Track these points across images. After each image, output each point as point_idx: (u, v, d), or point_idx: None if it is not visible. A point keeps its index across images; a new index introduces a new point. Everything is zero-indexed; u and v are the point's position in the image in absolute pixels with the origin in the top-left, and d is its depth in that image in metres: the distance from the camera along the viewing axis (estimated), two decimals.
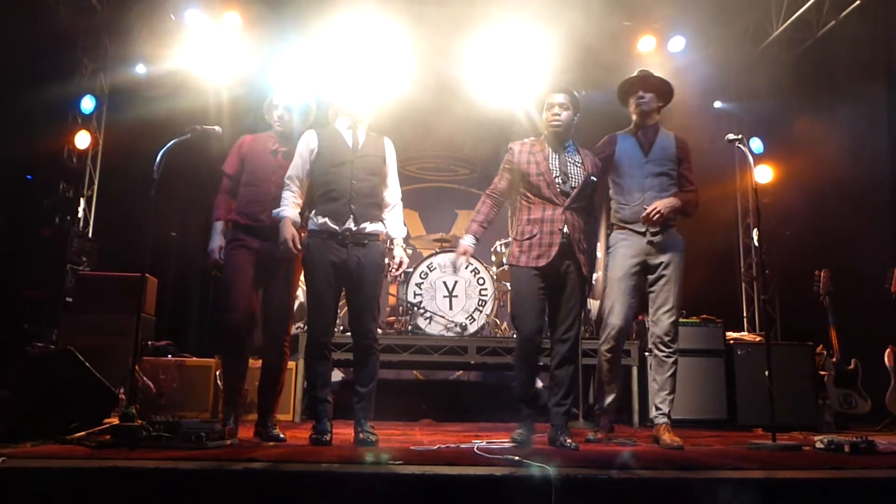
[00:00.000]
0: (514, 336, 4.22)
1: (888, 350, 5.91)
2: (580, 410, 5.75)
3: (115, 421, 3.46)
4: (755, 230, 8.01)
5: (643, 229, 4.13)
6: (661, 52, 7.81)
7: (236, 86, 7.66)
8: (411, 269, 6.39)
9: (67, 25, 7.54)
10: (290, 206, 3.90)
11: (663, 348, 4.16)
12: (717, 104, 8.65)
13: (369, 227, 3.89)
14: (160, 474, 2.53)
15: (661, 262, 4.14)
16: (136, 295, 4.05)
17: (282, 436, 3.94)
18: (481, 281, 6.36)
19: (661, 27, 7.81)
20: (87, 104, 7.82)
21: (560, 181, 3.88)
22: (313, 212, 3.94)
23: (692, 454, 3.57)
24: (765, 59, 8.19)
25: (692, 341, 6.09)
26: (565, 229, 3.81)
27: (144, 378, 5.31)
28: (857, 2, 6.82)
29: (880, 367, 5.95)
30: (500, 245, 6.66)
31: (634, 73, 4.42)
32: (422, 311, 6.27)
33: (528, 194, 3.94)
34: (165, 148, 3.96)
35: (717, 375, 6.03)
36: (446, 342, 5.94)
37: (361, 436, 3.70)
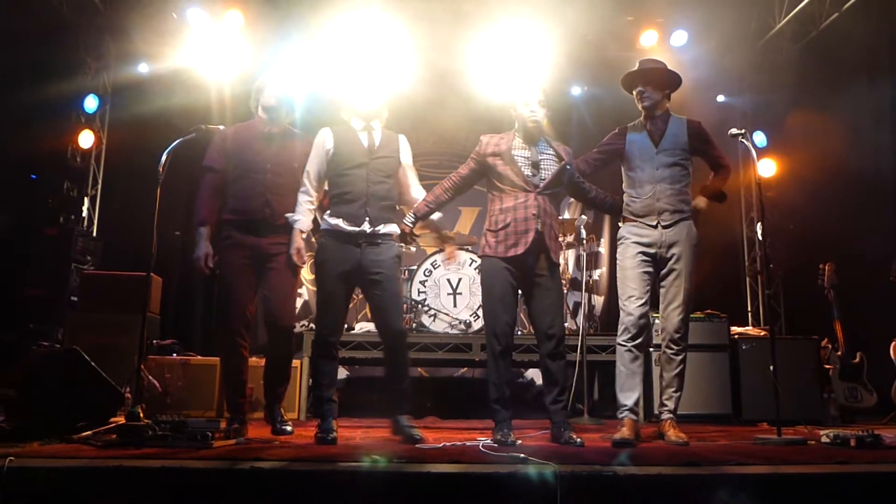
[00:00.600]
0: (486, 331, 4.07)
1: (894, 343, 5.89)
2: (585, 407, 5.76)
3: (121, 420, 3.47)
4: (759, 224, 7.99)
5: (654, 222, 4.08)
6: (664, 46, 7.78)
7: (238, 83, 7.65)
8: (415, 267, 6.40)
9: (70, 24, 7.54)
10: (304, 214, 3.93)
11: (672, 346, 4.12)
12: (720, 98, 8.62)
13: (384, 228, 3.91)
14: (166, 474, 2.54)
15: (673, 255, 4.07)
16: (141, 294, 4.04)
17: (289, 428, 3.96)
18: None
19: (664, 22, 7.78)
20: (91, 103, 7.83)
21: (529, 173, 3.88)
22: (327, 212, 3.93)
23: (697, 449, 3.56)
24: (768, 53, 8.16)
25: (697, 336, 6.08)
26: (538, 213, 3.81)
27: (150, 377, 5.32)
28: None
29: (886, 361, 5.94)
30: None
31: (636, 66, 4.35)
32: (426, 308, 6.27)
33: (499, 184, 3.94)
34: (170, 148, 3.96)
35: (722, 370, 6.02)
36: (450, 339, 5.94)
37: (403, 431, 3.75)
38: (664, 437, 3.97)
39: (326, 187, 4.07)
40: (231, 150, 4.08)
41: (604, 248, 7.83)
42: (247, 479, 2.55)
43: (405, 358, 3.98)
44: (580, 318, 6.02)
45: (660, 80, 4.28)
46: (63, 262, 6.78)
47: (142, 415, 3.40)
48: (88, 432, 3.33)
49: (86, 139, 7.77)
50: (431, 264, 6.42)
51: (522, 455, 2.88)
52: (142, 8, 7.57)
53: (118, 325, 5.50)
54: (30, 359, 4.04)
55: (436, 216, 4.13)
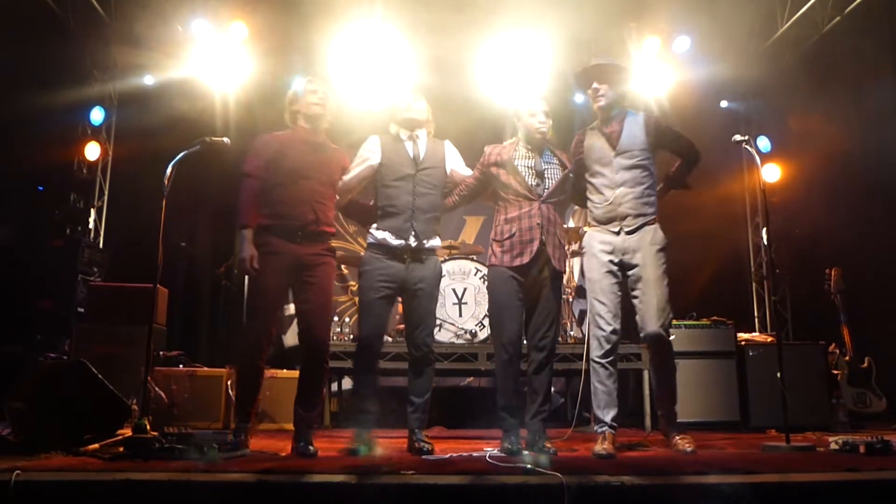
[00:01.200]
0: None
1: None
2: (592, 415, 5.74)
3: (128, 432, 3.47)
4: (764, 229, 7.98)
5: (617, 228, 3.94)
6: (667, 52, 7.78)
7: (243, 94, 7.70)
8: None
9: (77, 37, 7.60)
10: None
11: (657, 354, 4.02)
12: (724, 103, 8.63)
13: (428, 243, 3.94)
14: (174, 487, 2.54)
15: (638, 263, 3.90)
16: (148, 305, 4.05)
17: (312, 450, 3.64)
18: None
19: (666, 28, 7.79)
20: (97, 115, 7.88)
21: (533, 182, 3.89)
22: (374, 226, 3.96)
23: (706, 458, 3.54)
24: (770, 58, 8.16)
25: (703, 343, 6.07)
26: (542, 222, 3.81)
27: (156, 388, 5.33)
28: None
29: (894, 365, 5.91)
30: None
31: (590, 65, 4.21)
32: None
33: (503, 194, 3.95)
34: (175, 160, 3.98)
35: (730, 377, 6.00)
36: (456, 349, 5.93)
37: (417, 445, 3.73)
38: (670, 446, 3.92)
39: (372, 202, 4.11)
40: (273, 156, 3.96)
41: None
42: (254, 492, 2.55)
43: (430, 372, 3.97)
44: (586, 327, 6.00)
45: (614, 77, 4.12)
46: (70, 273, 6.80)
47: (149, 427, 3.41)
48: (95, 445, 3.34)
49: (92, 151, 7.82)
50: None
51: (529, 466, 2.87)
52: (147, 20, 7.62)
53: (125, 336, 5.51)
54: (37, 371, 4.04)
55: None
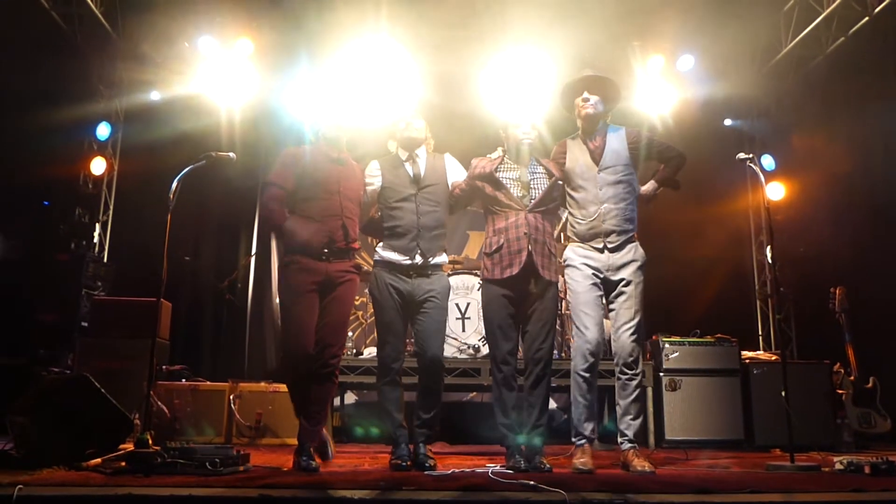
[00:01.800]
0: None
1: None
2: (595, 432, 5.71)
3: (130, 447, 3.46)
4: (769, 248, 7.97)
5: (600, 245, 3.92)
6: (671, 71, 7.82)
7: (248, 110, 7.75)
8: None
9: (83, 52, 7.67)
10: None
11: (626, 370, 3.86)
12: (728, 122, 8.65)
13: (434, 260, 3.96)
14: (175, 501, 2.53)
15: (622, 279, 3.90)
16: (151, 319, 4.05)
17: (314, 465, 3.62)
18: None
19: (670, 46, 7.83)
20: (103, 130, 7.93)
21: (519, 193, 3.89)
22: (380, 245, 4.01)
23: (709, 477, 3.52)
24: (774, 77, 8.19)
25: (707, 361, 6.06)
26: (529, 231, 3.80)
27: (159, 403, 5.33)
28: (866, 18, 6.81)
29: None
30: None
31: (582, 75, 4.18)
32: None
33: (491, 206, 3.96)
34: (180, 175, 3.99)
35: (734, 395, 5.98)
36: (459, 364, 5.92)
37: (420, 459, 3.73)
38: (629, 467, 3.70)
39: (378, 214, 4.14)
40: (297, 169, 3.97)
41: None
42: None
43: (439, 386, 3.96)
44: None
45: (605, 90, 4.12)
46: (74, 287, 6.82)
47: (151, 441, 3.40)
48: (98, 459, 3.33)
49: (98, 166, 7.86)
50: None
51: (532, 482, 2.85)
52: (154, 37, 7.70)
53: (128, 350, 5.52)
54: (39, 385, 4.03)
55: None
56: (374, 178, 4.09)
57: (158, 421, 5.21)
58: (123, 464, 3.24)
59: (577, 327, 3.89)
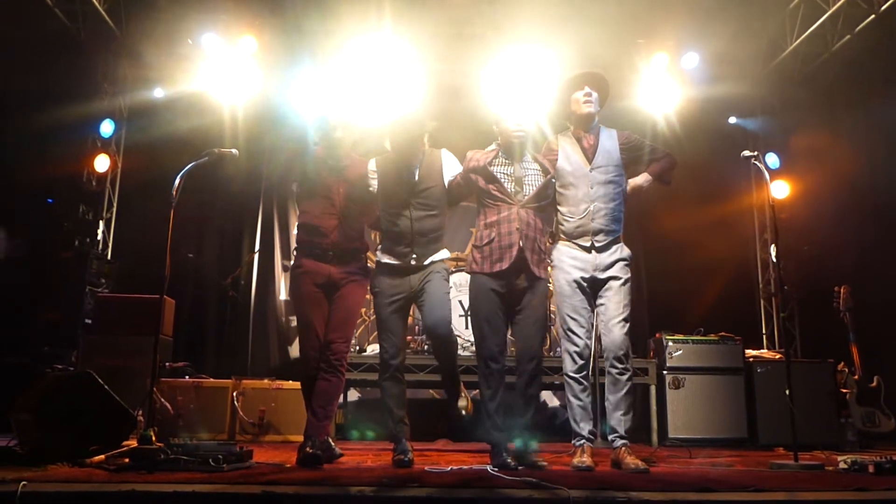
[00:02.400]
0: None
1: None
2: (598, 429, 5.70)
3: (134, 443, 3.47)
4: (773, 246, 7.95)
5: (588, 243, 3.89)
6: (675, 68, 7.80)
7: (252, 107, 7.75)
8: None
9: (87, 50, 7.67)
10: None
11: (617, 364, 3.81)
12: (732, 120, 8.63)
13: (430, 258, 3.97)
14: (179, 498, 2.53)
15: (609, 276, 3.87)
16: (155, 316, 4.05)
17: (318, 454, 3.67)
18: None
19: (674, 44, 7.81)
20: (107, 128, 7.93)
21: (513, 189, 3.87)
22: (379, 247, 4.05)
23: (712, 475, 3.51)
24: (779, 75, 8.17)
25: (711, 359, 6.05)
26: (520, 226, 3.78)
27: (162, 399, 5.34)
28: (872, 16, 6.78)
29: None
30: None
31: (582, 71, 4.15)
32: None
33: (483, 199, 3.93)
34: (183, 171, 3.99)
35: (737, 394, 5.97)
36: (462, 361, 5.88)
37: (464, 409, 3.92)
38: (621, 465, 3.66)
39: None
40: (300, 176, 4.07)
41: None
42: (259, 502, 2.54)
43: (454, 347, 4.02)
44: (591, 340, 5.98)
45: (603, 88, 4.11)
46: (78, 284, 6.83)
47: (154, 438, 3.40)
48: (101, 456, 3.33)
49: (101, 163, 7.87)
50: None
51: (534, 479, 2.84)
52: (157, 34, 7.70)
53: (131, 347, 5.54)
54: (43, 382, 4.04)
55: None
56: (371, 179, 4.10)
57: (162, 418, 5.22)
58: (127, 460, 3.25)
59: (565, 332, 3.89)
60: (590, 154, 3.99)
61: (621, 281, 3.86)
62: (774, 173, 8.02)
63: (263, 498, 2.55)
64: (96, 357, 5.49)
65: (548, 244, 4.02)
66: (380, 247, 4.06)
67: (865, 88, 7.18)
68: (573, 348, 3.84)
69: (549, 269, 4.02)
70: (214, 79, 7.57)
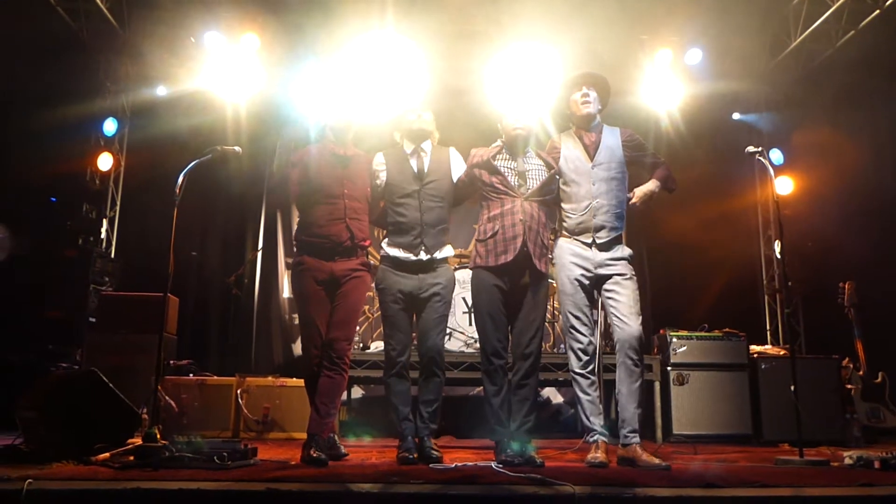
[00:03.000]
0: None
1: None
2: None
3: (139, 441, 3.47)
4: (777, 242, 7.94)
5: (589, 240, 3.86)
6: (679, 65, 7.77)
7: (254, 105, 7.76)
8: None
9: (89, 48, 7.68)
10: None
11: (634, 355, 3.73)
12: (736, 116, 8.61)
13: (439, 254, 3.96)
14: (184, 496, 2.54)
15: (613, 273, 3.83)
16: (159, 314, 4.06)
17: (322, 457, 3.61)
18: None
19: (678, 40, 7.79)
20: (110, 126, 7.95)
21: (516, 182, 3.87)
22: (385, 240, 4.01)
23: (718, 471, 3.51)
24: (783, 70, 8.14)
25: (715, 355, 6.04)
26: (525, 218, 3.78)
27: (167, 397, 5.34)
28: (877, 11, 6.76)
29: None
30: None
31: (577, 73, 4.15)
32: None
33: (487, 193, 3.93)
34: (186, 169, 3.99)
35: (742, 390, 5.96)
36: (466, 358, 5.91)
37: (426, 452, 3.73)
38: (636, 462, 3.59)
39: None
40: (302, 174, 4.03)
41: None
42: (264, 500, 2.54)
43: (439, 380, 3.96)
44: (596, 336, 5.98)
45: (603, 88, 4.11)
46: (82, 283, 6.85)
47: (159, 436, 3.41)
48: (106, 454, 3.33)
49: (105, 162, 7.88)
50: None
51: (539, 476, 2.84)
52: (160, 32, 7.70)
53: (136, 345, 5.54)
54: (48, 380, 4.05)
55: None
56: (379, 171, 4.09)
57: (166, 416, 5.23)
58: (132, 458, 3.25)
59: (568, 330, 3.88)
60: (591, 151, 3.99)
61: (627, 276, 3.84)
62: (778, 169, 8.00)
63: (268, 495, 2.55)
64: (100, 355, 5.49)
65: (550, 240, 4.01)
66: (385, 240, 4.03)
67: (870, 84, 7.15)
68: (577, 345, 3.83)
69: (550, 264, 4.01)
70: (217, 77, 7.57)
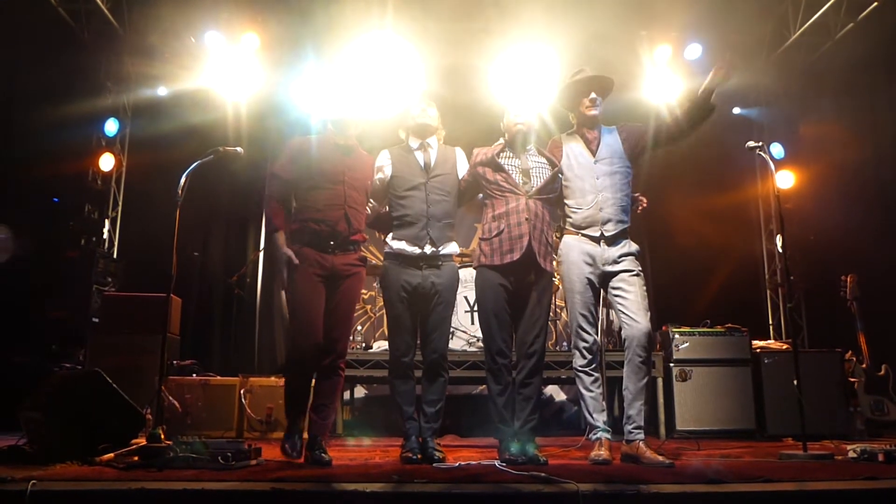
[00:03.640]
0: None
1: None
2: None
3: (143, 441, 3.48)
4: (779, 236, 7.92)
5: (597, 233, 3.86)
6: (678, 60, 7.76)
7: (255, 104, 7.76)
8: None
9: (91, 49, 7.68)
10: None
11: (642, 353, 3.73)
12: (736, 110, 8.60)
13: (445, 249, 3.95)
14: (188, 496, 2.54)
15: (620, 269, 3.83)
16: (162, 315, 4.06)
17: (326, 458, 3.61)
18: None
19: (678, 35, 7.77)
20: (111, 127, 7.97)
21: (521, 180, 3.87)
22: (390, 235, 3.99)
23: (722, 466, 3.50)
24: (783, 64, 8.13)
25: (718, 351, 6.03)
26: (530, 216, 3.77)
27: (170, 398, 5.35)
28: (876, 3, 6.74)
29: None
30: None
31: (579, 72, 4.13)
32: None
33: (491, 191, 3.92)
34: (189, 170, 4.00)
35: (745, 385, 5.95)
36: (468, 357, 5.91)
37: (428, 452, 3.73)
38: (640, 459, 3.60)
39: (386, 208, 4.12)
40: (302, 159, 3.95)
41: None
42: (268, 500, 2.55)
43: (443, 380, 3.96)
44: (599, 335, 5.98)
45: (607, 91, 4.14)
46: (84, 283, 6.86)
47: (163, 436, 3.42)
48: (110, 454, 3.34)
49: (106, 162, 7.89)
50: None
51: (543, 474, 2.84)
52: (161, 32, 7.70)
53: (139, 345, 5.55)
54: (52, 381, 4.05)
55: None
56: (384, 166, 4.07)
57: (170, 416, 5.24)
58: (136, 458, 3.26)
59: (575, 328, 3.87)
60: (593, 147, 4.01)
61: (634, 272, 3.83)
62: (779, 163, 7.99)
63: (272, 495, 2.56)
64: (104, 356, 5.50)
65: (555, 238, 4.01)
66: (390, 235, 4.00)
67: (870, 76, 7.14)
68: (583, 344, 3.83)
69: (554, 263, 4.01)
70: (218, 76, 7.59)
